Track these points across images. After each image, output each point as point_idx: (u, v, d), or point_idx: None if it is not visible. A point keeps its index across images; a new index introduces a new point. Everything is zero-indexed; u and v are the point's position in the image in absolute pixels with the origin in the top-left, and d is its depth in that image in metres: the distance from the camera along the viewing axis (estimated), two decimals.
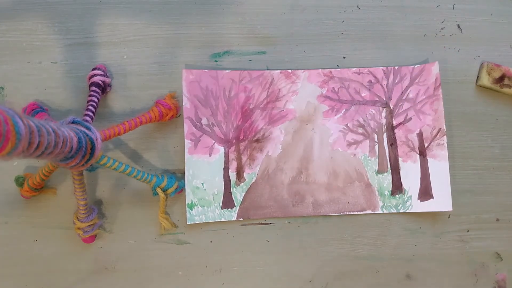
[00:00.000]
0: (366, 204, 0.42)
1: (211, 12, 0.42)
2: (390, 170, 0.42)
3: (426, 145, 0.42)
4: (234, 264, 0.41)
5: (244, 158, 0.41)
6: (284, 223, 0.41)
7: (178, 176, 0.41)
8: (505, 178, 0.43)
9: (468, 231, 0.42)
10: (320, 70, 0.42)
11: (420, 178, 0.42)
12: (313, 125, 0.42)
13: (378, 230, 0.42)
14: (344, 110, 0.42)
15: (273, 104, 0.41)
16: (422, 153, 0.42)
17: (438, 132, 0.42)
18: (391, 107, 0.42)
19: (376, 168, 0.42)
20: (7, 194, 0.40)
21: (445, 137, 0.42)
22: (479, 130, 0.43)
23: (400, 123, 0.42)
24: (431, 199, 0.42)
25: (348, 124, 0.42)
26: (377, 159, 0.42)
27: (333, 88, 0.42)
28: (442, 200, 0.42)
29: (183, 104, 0.40)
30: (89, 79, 0.39)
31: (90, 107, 0.37)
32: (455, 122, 0.43)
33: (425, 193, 0.42)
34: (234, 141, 0.41)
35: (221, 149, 0.41)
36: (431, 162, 0.42)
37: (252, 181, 0.41)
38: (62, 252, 0.40)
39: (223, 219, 0.40)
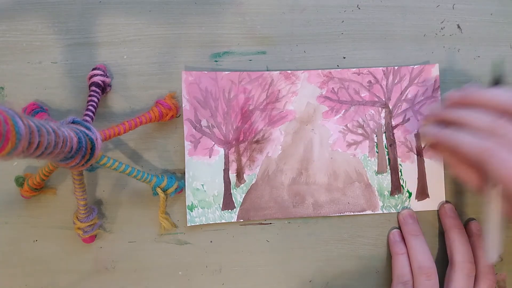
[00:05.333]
0: (366, 205, 0.42)
1: (211, 12, 0.42)
2: (390, 171, 0.42)
3: (422, 145, 0.42)
4: (234, 264, 0.41)
5: (244, 160, 0.41)
6: (284, 223, 0.41)
7: (178, 176, 0.41)
8: None
9: None
10: (320, 70, 0.42)
11: (418, 178, 0.42)
12: (313, 126, 0.42)
13: (378, 230, 0.42)
14: (343, 110, 0.42)
15: (272, 105, 0.41)
16: (419, 154, 0.42)
17: None
18: (390, 107, 0.42)
19: (376, 169, 0.42)
20: (7, 194, 0.40)
21: None
22: None
23: (399, 124, 0.42)
24: (427, 198, 0.42)
25: (348, 125, 0.42)
26: (376, 160, 0.42)
27: (333, 88, 0.42)
28: (436, 199, 0.42)
29: (183, 105, 0.40)
30: (89, 79, 0.39)
31: (90, 107, 0.37)
32: None
33: (422, 192, 0.42)
34: (234, 142, 0.41)
35: (221, 151, 0.41)
36: (427, 162, 0.42)
37: (252, 182, 0.41)
38: (62, 252, 0.40)
39: (223, 221, 0.40)
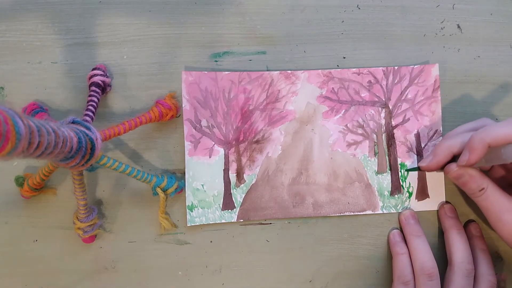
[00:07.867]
0: (366, 205, 0.42)
1: (211, 12, 0.42)
2: (390, 171, 0.42)
3: (422, 145, 0.42)
4: (234, 264, 0.41)
5: (244, 160, 0.41)
6: (284, 223, 0.41)
7: (178, 176, 0.41)
8: None
9: None
10: (320, 70, 0.42)
11: (417, 178, 0.42)
12: (313, 126, 0.42)
13: (378, 230, 0.42)
14: (343, 110, 0.42)
15: (272, 105, 0.41)
16: (419, 153, 0.42)
17: (434, 133, 0.42)
18: (390, 107, 0.42)
19: (376, 169, 0.42)
20: (7, 194, 0.40)
21: (440, 137, 0.42)
22: None
23: (399, 124, 0.42)
24: (427, 198, 0.42)
25: (348, 125, 0.42)
26: (376, 160, 0.42)
27: (333, 88, 0.42)
28: (436, 199, 0.42)
29: (183, 105, 0.40)
30: (89, 79, 0.39)
31: (90, 107, 0.37)
32: (455, 122, 0.43)
33: (422, 192, 0.42)
34: (234, 142, 0.41)
35: (221, 151, 0.41)
36: None
37: (252, 182, 0.41)
38: (62, 252, 0.40)
39: (223, 221, 0.40)
